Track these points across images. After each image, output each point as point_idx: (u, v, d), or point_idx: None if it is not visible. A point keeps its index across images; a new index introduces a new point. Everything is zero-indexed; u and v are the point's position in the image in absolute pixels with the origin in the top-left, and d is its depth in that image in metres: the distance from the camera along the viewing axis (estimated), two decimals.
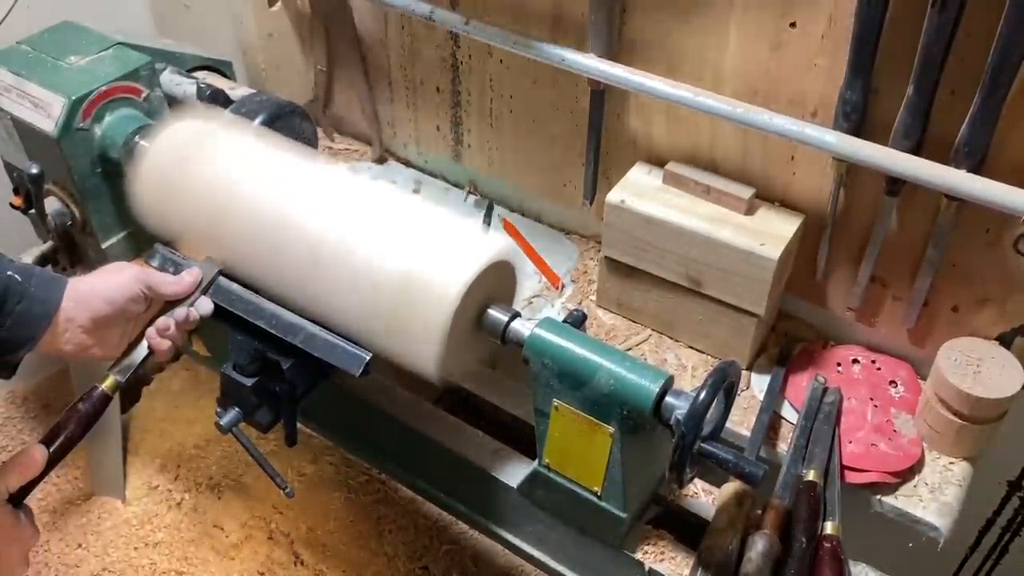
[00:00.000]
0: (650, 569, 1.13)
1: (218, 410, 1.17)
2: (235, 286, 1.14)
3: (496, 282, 1.08)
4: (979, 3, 0.97)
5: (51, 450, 0.95)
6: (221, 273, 1.14)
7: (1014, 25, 0.94)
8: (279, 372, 1.13)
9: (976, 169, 1.05)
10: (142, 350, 1.06)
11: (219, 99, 1.40)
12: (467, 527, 1.81)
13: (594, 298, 1.47)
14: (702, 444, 0.97)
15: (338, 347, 1.08)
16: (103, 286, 1.01)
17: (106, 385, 1.03)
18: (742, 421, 1.25)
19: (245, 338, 1.13)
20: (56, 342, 0.98)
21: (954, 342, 1.18)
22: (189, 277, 1.10)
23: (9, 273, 0.95)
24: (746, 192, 1.26)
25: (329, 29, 1.67)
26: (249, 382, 1.14)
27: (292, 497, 1.39)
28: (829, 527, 1.08)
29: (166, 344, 1.05)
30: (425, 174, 1.77)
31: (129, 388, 1.10)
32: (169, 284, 1.08)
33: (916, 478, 1.18)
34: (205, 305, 1.10)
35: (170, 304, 1.09)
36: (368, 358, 1.06)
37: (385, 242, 1.06)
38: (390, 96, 1.69)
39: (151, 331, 1.05)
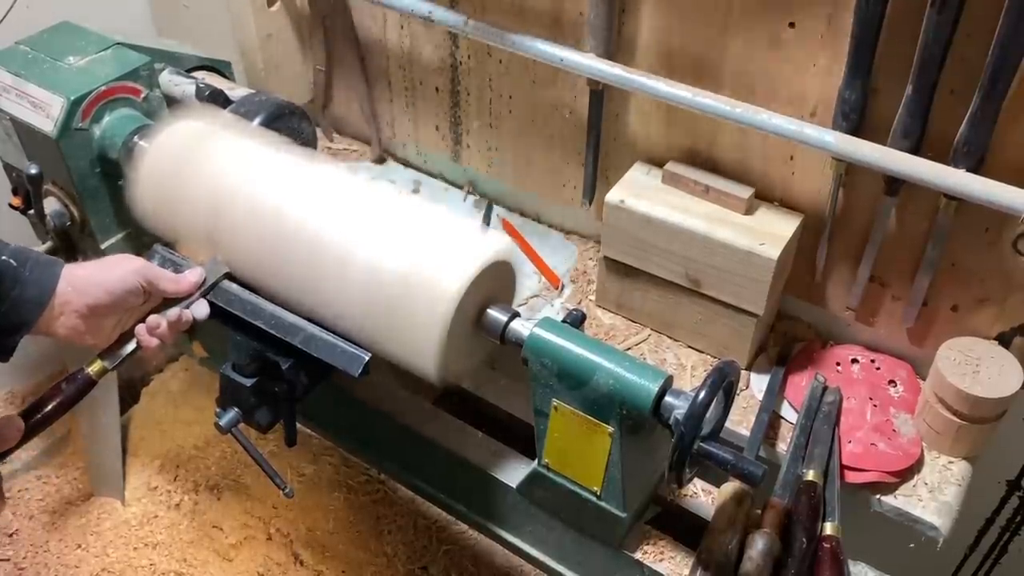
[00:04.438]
0: (650, 569, 1.13)
1: (217, 410, 1.17)
2: (234, 286, 1.13)
3: (495, 282, 1.08)
4: (978, 3, 0.97)
5: (29, 424, 0.96)
6: (227, 276, 1.13)
7: (1013, 25, 0.94)
8: (278, 372, 1.13)
9: (975, 169, 1.05)
10: (133, 342, 1.06)
11: (218, 99, 1.39)
12: (466, 527, 1.81)
13: (593, 298, 1.47)
14: (701, 444, 0.97)
15: (337, 347, 1.08)
16: (103, 275, 1.01)
17: (92, 369, 1.04)
18: (741, 421, 1.25)
19: (244, 338, 1.13)
20: (51, 325, 0.98)
21: (953, 342, 1.18)
22: (192, 277, 1.10)
23: (4, 257, 0.95)
24: (745, 192, 1.26)
25: (328, 29, 1.67)
26: (248, 382, 1.14)
27: (291, 497, 1.39)
28: (829, 527, 1.08)
29: (154, 342, 1.05)
30: (424, 174, 1.77)
31: (128, 388, 1.10)
32: (169, 281, 1.07)
33: (915, 478, 1.18)
34: (201, 309, 1.09)
35: (168, 301, 1.08)
36: (367, 358, 1.06)
37: (384, 243, 1.06)
38: (389, 96, 1.69)
39: (140, 327, 1.05)
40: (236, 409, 1.16)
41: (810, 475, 1.12)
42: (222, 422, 1.15)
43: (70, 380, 1.02)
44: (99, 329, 1.02)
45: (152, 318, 1.05)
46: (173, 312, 1.06)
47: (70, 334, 1.00)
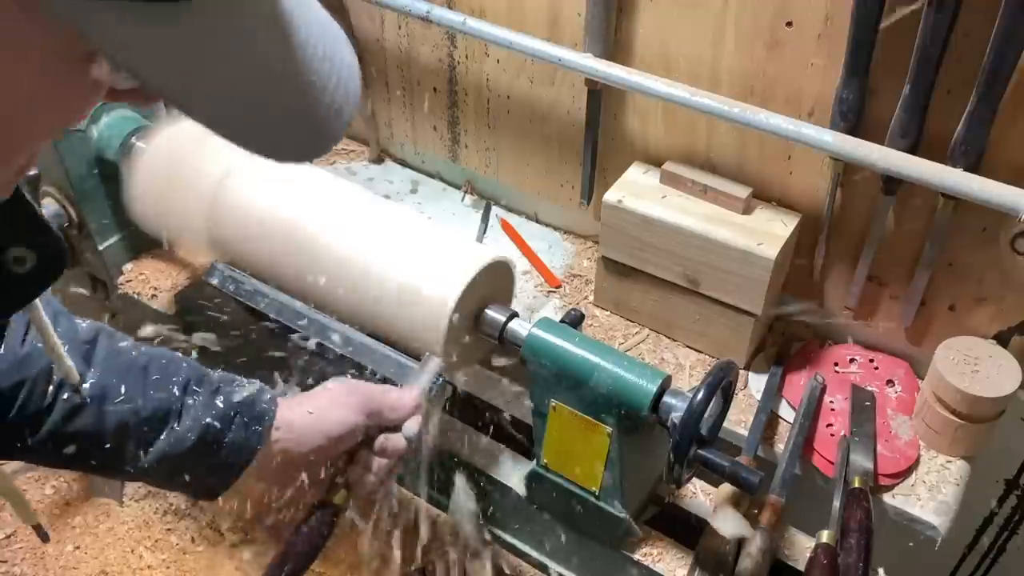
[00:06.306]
0: (649, 569, 1.13)
1: None
2: (299, 305, 1.08)
3: (493, 284, 1.08)
4: (975, 2, 0.98)
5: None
6: (440, 378, 1.04)
7: (1010, 24, 0.94)
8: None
9: (973, 168, 1.05)
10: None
11: None
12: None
13: (591, 298, 1.47)
14: (699, 451, 0.97)
15: (411, 369, 1.04)
16: (325, 418, 0.93)
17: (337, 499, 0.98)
18: (740, 420, 1.25)
19: (312, 358, 1.09)
20: (258, 476, 0.93)
21: (951, 341, 1.18)
22: (411, 402, 0.98)
23: (207, 421, 0.89)
24: (743, 191, 1.26)
25: None
26: None
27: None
28: (825, 535, 1.06)
29: (376, 482, 0.99)
30: (422, 174, 1.77)
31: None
32: (391, 411, 0.97)
33: (914, 477, 1.18)
34: (412, 428, 0.99)
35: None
36: (440, 381, 1.02)
37: (384, 247, 1.06)
38: (387, 96, 1.69)
39: (370, 479, 0.98)
40: None
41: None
42: None
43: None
44: (311, 477, 0.96)
45: (376, 464, 0.98)
46: (395, 447, 0.97)
47: (278, 483, 0.94)
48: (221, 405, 0.90)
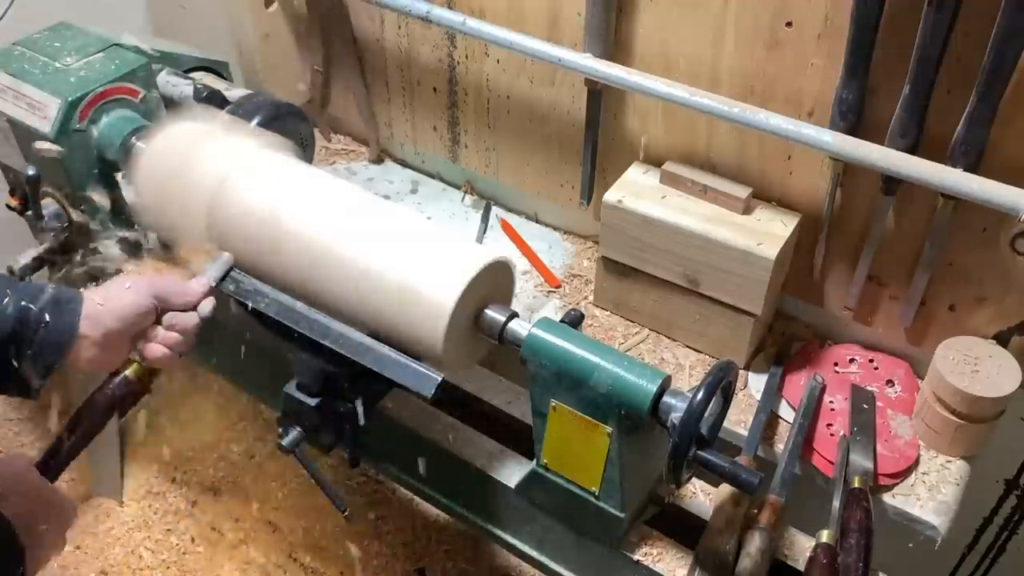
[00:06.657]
0: (648, 569, 1.13)
1: (279, 430, 1.13)
2: (299, 305, 1.09)
3: (493, 284, 1.08)
4: (975, 2, 0.98)
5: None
6: (231, 271, 1.11)
7: (1010, 24, 0.94)
8: (343, 392, 1.10)
9: (973, 168, 1.05)
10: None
11: (215, 100, 1.39)
12: (465, 527, 1.81)
13: (591, 298, 1.47)
14: (699, 452, 0.97)
15: (409, 368, 1.03)
16: (116, 303, 0.99)
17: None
18: (740, 420, 1.25)
19: (310, 357, 1.09)
20: (73, 361, 0.97)
21: (951, 341, 1.18)
22: (200, 288, 1.07)
23: (23, 303, 0.94)
24: (743, 192, 1.26)
25: (326, 29, 1.67)
26: (313, 402, 1.10)
27: (351, 520, 1.38)
28: (825, 535, 1.06)
29: (168, 354, 1.03)
30: (422, 174, 1.77)
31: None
32: (179, 296, 1.05)
33: (914, 477, 1.18)
34: (206, 307, 1.07)
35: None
36: (439, 379, 1.02)
37: (384, 247, 1.06)
38: (387, 96, 1.69)
39: (156, 348, 1.03)
40: (299, 429, 1.13)
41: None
42: (284, 442, 1.12)
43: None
44: (114, 356, 1.01)
45: (165, 336, 1.03)
46: (184, 323, 1.04)
47: (87, 365, 0.99)
48: (35, 294, 0.96)
